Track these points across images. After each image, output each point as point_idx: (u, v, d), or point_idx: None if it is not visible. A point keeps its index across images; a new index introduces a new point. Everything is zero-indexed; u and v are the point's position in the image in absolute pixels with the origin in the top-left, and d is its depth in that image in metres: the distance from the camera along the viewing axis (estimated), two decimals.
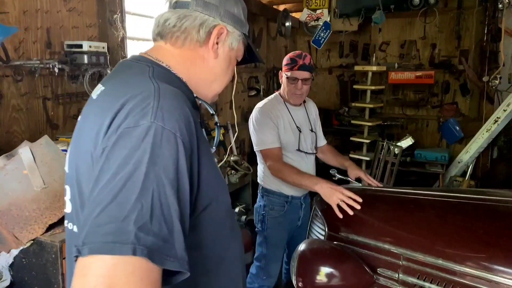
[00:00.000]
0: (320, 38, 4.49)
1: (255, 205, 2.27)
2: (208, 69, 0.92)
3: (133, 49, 2.94)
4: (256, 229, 2.23)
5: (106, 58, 2.36)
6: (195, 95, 0.90)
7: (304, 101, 2.26)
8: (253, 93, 4.61)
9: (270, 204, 2.17)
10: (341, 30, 4.71)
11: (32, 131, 2.15)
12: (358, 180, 2.08)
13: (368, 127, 4.57)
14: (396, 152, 4.12)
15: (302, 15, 4.52)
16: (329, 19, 4.37)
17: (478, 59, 4.62)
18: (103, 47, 2.34)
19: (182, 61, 0.89)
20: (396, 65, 5.09)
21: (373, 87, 4.49)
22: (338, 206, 1.66)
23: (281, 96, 2.20)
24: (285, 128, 2.11)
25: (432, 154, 4.34)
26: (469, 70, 4.67)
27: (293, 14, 5.06)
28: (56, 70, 2.17)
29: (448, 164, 4.39)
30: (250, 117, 2.15)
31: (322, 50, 5.76)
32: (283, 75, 2.13)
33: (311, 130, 2.22)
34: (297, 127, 2.15)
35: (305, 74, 2.07)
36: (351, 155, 4.76)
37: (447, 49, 4.95)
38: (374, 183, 2.00)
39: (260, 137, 2.06)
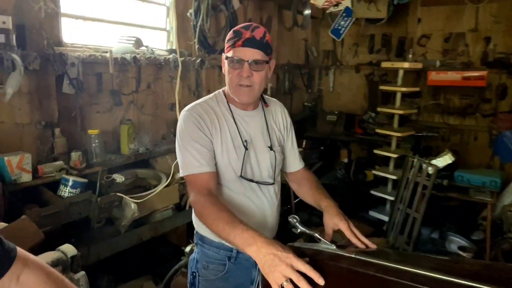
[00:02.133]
0: (340, 27, 3.67)
1: (190, 257, 1.53)
2: None
3: (69, 29, 2.33)
4: None
5: (10, 37, 1.75)
6: None
7: (265, 103, 1.50)
8: None
9: (203, 260, 1.42)
10: (366, 17, 3.86)
11: None
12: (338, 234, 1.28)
13: (396, 138, 3.70)
14: (430, 172, 3.22)
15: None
16: (351, 3, 3.53)
17: None
18: (4, 22, 1.73)
19: None
20: (438, 62, 4.21)
21: (403, 89, 3.60)
22: None
23: (224, 94, 1.45)
24: (224, 143, 1.35)
25: (478, 177, 3.35)
26: None
27: (313, 1, 4.27)
28: None
29: (500, 191, 3.40)
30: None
31: (349, 44, 4.94)
32: (223, 59, 1.37)
33: (270, 148, 1.45)
34: (243, 142, 1.39)
35: (255, 54, 1.28)
36: (375, 172, 3.94)
37: (506, 43, 4.00)
38: (362, 243, 1.20)
39: (185, 156, 1.32)
